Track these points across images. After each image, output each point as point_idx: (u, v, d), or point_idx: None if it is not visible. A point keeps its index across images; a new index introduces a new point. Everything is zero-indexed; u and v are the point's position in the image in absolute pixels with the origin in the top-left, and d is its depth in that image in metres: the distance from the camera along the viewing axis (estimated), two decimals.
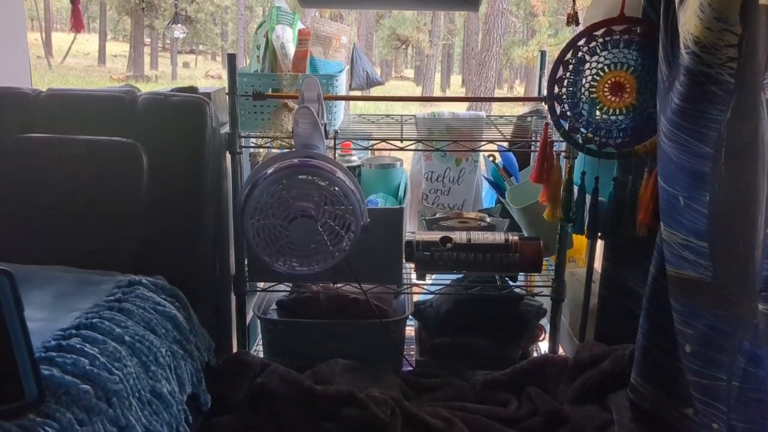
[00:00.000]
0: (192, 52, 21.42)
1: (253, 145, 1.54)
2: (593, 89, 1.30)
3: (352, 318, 1.54)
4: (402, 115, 1.79)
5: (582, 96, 1.32)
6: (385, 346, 1.54)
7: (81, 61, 17.64)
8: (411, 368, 1.59)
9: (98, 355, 0.95)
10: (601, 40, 1.27)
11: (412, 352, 1.68)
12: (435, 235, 1.49)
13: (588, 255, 1.61)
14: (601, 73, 1.29)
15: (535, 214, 1.55)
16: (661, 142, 1.08)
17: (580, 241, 1.71)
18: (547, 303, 1.63)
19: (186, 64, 19.92)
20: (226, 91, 1.45)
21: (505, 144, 1.62)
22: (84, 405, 0.88)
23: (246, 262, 1.54)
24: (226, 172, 1.49)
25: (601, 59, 1.29)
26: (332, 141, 1.44)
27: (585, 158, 1.44)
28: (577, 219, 1.43)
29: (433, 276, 1.71)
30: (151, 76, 16.19)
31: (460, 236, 1.49)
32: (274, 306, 1.64)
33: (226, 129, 1.47)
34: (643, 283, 1.20)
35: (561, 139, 1.39)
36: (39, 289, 1.14)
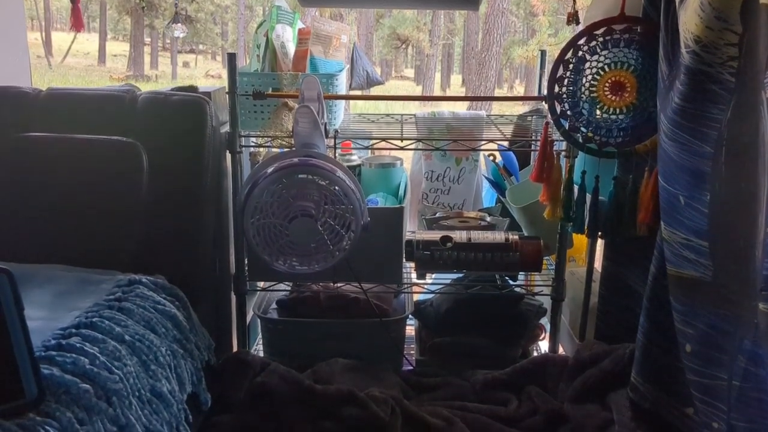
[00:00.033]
0: (192, 51, 21.43)
1: (253, 144, 1.54)
2: (593, 88, 1.30)
3: (352, 317, 1.54)
4: (402, 115, 1.79)
5: (582, 95, 1.32)
6: (385, 345, 1.54)
7: (81, 61, 17.64)
8: (411, 367, 1.59)
9: (98, 354, 0.95)
10: (601, 39, 1.27)
11: (412, 352, 1.68)
12: (435, 235, 1.49)
13: (588, 254, 1.61)
14: (602, 72, 1.29)
15: (535, 214, 1.55)
16: (662, 141, 1.07)
17: (580, 240, 1.71)
18: (547, 302, 1.63)
19: (186, 64, 19.92)
20: (226, 90, 1.45)
21: (506, 143, 1.62)
22: (84, 404, 0.88)
23: (246, 262, 1.54)
24: (226, 172, 1.49)
25: (602, 58, 1.29)
26: (332, 140, 1.44)
27: (585, 157, 1.44)
28: (577, 218, 1.43)
29: (433, 275, 1.71)
30: (151, 76, 16.19)
31: (460, 235, 1.49)
32: (274, 305, 1.64)
33: (226, 128, 1.47)
34: (644, 283, 1.20)
35: (561, 138, 1.39)
36: (39, 288, 1.14)
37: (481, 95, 10.50)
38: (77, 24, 1.73)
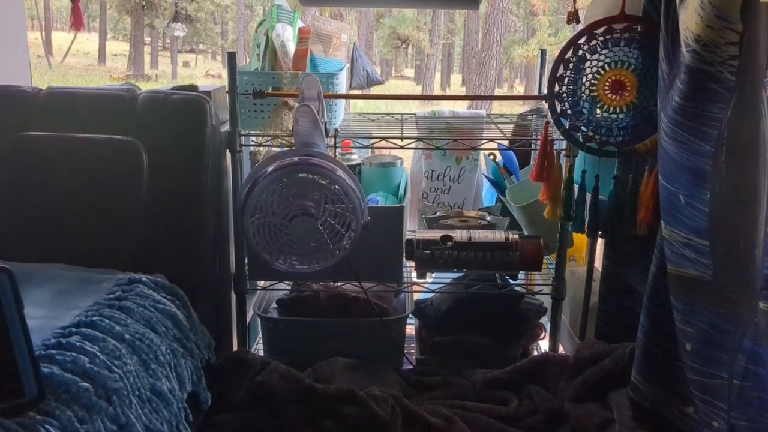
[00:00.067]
0: (192, 51, 21.42)
1: (253, 143, 1.54)
2: (594, 87, 1.30)
3: (352, 316, 1.54)
4: (402, 114, 1.79)
5: (582, 94, 1.31)
6: (386, 344, 1.54)
7: (81, 60, 17.63)
8: (411, 367, 1.59)
9: (98, 353, 0.95)
10: (601, 38, 1.27)
11: (412, 351, 1.68)
12: (435, 234, 1.49)
13: (588, 253, 1.61)
14: (602, 72, 1.29)
15: (535, 213, 1.55)
16: (662, 140, 1.07)
17: (580, 239, 1.71)
18: (547, 301, 1.63)
19: (186, 64, 19.91)
20: (227, 89, 1.45)
21: (506, 142, 1.62)
22: (84, 403, 0.88)
23: (246, 261, 1.54)
24: (226, 171, 1.49)
25: (602, 57, 1.29)
26: (332, 139, 1.44)
27: (585, 156, 1.44)
28: (577, 217, 1.43)
29: (434, 274, 1.71)
30: (152, 76, 16.18)
31: (460, 235, 1.49)
32: (274, 304, 1.64)
33: (226, 127, 1.47)
34: (644, 282, 1.20)
35: (561, 137, 1.39)
36: (39, 287, 1.14)
37: (481, 94, 10.50)
38: (77, 23, 1.73)
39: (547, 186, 1.41)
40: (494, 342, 1.58)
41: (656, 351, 1.15)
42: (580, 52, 1.29)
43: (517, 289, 1.64)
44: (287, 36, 1.54)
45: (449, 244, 1.47)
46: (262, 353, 1.62)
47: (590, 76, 1.30)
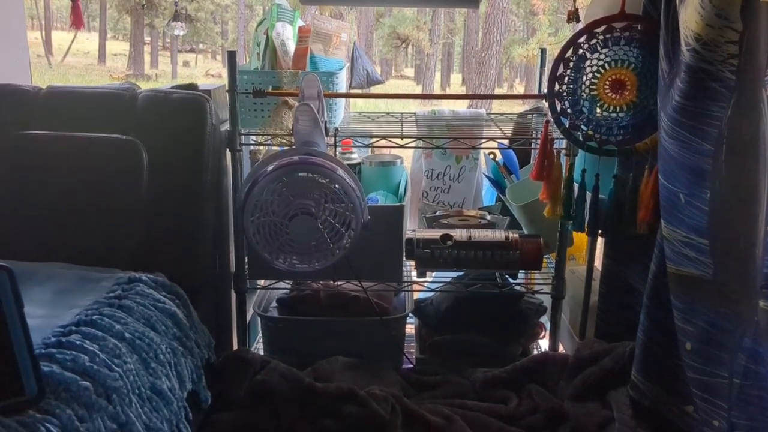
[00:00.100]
0: (192, 50, 21.42)
1: (253, 142, 1.54)
2: (594, 86, 1.30)
3: (352, 315, 1.54)
4: (402, 113, 1.79)
5: (582, 93, 1.31)
6: (386, 343, 1.54)
7: (81, 60, 17.63)
8: (411, 366, 1.59)
9: (98, 352, 0.95)
10: (601, 37, 1.27)
11: (412, 350, 1.68)
12: (435, 233, 1.49)
13: (588, 252, 1.61)
14: (602, 71, 1.29)
15: (535, 212, 1.55)
16: (662, 139, 1.07)
17: (580, 238, 1.71)
18: (547, 300, 1.63)
19: (186, 63, 19.91)
20: (227, 88, 1.45)
21: (506, 141, 1.62)
22: (84, 402, 0.88)
23: (246, 260, 1.54)
24: (226, 170, 1.49)
25: (602, 56, 1.29)
26: (332, 138, 1.44)
27: (585, 155, 1.44)
28: (577, 216, 1.43)
29: (434, 273, 1.70)
30: (152, 75, 16.19)
31: (460, 234, 1.49)
32: (274, 303, 1.64)
33: (226, 126, 1.47)
34: (644, 281, 1.20)
35: (561, 136, 1.39)
36: (39, 286, 1.14)
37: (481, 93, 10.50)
38: (77, 22, 1.73)
39: (547, 185, 1.41)
40: (494, 341, 1.58)
41: (656, 350, 1.15)
42: (580, 51, 1.29)
43: (517, 288, 1.64)
44: (287, 35, 1.54)
45: (449, 243, 1.47)
46: (262, 352, 1.62)
47: (590, 75, 1.30)
